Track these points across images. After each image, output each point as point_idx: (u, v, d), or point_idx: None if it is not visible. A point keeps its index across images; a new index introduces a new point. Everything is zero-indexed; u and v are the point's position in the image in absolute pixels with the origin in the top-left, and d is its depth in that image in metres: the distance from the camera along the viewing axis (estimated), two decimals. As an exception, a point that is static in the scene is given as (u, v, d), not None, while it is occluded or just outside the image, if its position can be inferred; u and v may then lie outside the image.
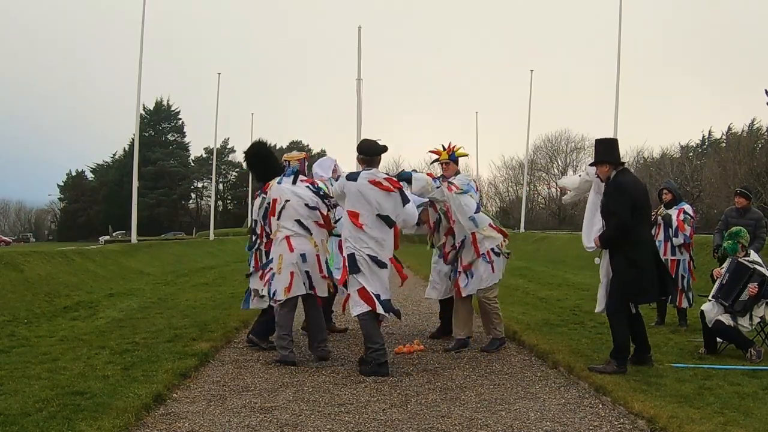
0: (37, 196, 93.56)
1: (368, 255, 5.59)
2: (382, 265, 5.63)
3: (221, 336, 7.05)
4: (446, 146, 6.93)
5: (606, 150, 5.71)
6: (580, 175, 6.37)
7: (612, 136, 6.71)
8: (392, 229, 5.76)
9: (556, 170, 66.28)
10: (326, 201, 6.18)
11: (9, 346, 6.53)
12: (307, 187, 6.16)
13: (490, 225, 6.62)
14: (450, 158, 6.86)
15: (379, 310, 5.60)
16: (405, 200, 5.85)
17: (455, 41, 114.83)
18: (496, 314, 6.61)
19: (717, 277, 6.31)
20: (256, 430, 4.15)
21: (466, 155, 7.21)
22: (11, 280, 11.03)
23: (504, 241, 6.65)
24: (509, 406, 4.65)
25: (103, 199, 75.15)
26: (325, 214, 6.15)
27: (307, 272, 5.95)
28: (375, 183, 5.68)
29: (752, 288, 5.98)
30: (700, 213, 34.74)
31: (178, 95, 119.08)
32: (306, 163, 6.51)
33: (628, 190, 5.51)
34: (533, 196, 60.66)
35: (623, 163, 5.77)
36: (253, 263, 6.58)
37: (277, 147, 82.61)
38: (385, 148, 6.00)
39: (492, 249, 6.52)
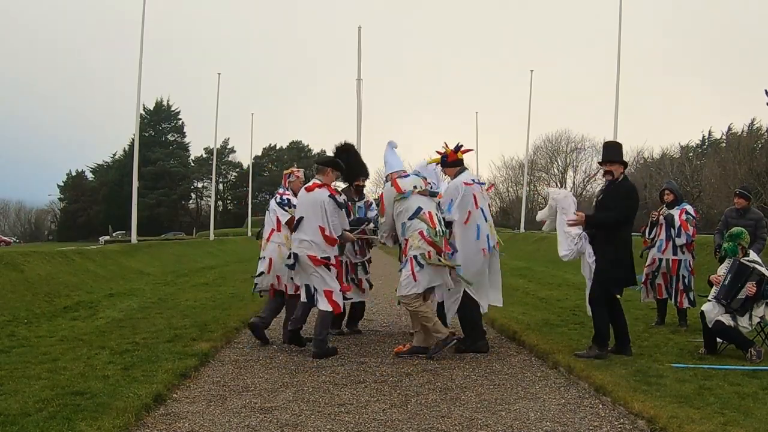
0: (37, 196, 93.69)
1: (293, 252, 6.35)
2: (297, 259, 6.30)
3: (221, 336, 7.06)
4: (441, 151, 6.78)
5: (618, 152, 6.37)
6: (549, 205, 6.56)
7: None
8: (315, 231, 6.30)
9: (556, 170, 66.32)
10: (285, 209, 6.90)
11: (9, 346, 6.52)
12: (274, 197, 7.12)
13: (420, 233, 6.13)
14: (442, 164, 6.76)
15: (302, 298, 6.44)
16: (332, 213, 6.36)
17: (455, 41, 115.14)
18: (426, 318, 6.16)
19: (715, 283, 6.27)
20: (256, 430, 4.16)
21: (462, 151, 6.74)
22: (11, 280, 11.03)
23: (433, 253, 6.08)
24: (509, 406, 4.65)
25: (103, 199, 75.15)
26: (282, 221, 6.89)
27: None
28: (308, 188, 6.47)
29: (750, 287, 5.98)
30: (700, 213, 34.69)
31: (178, 95, 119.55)
32: (290, 178, 7.24)
33: (635, 197, 6.19)
34: (533, 196, 60.59)
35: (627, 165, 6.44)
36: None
37: (277, 147, 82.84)
38: (334, 162, 6.69)
39: (414, 256, 6.12)
